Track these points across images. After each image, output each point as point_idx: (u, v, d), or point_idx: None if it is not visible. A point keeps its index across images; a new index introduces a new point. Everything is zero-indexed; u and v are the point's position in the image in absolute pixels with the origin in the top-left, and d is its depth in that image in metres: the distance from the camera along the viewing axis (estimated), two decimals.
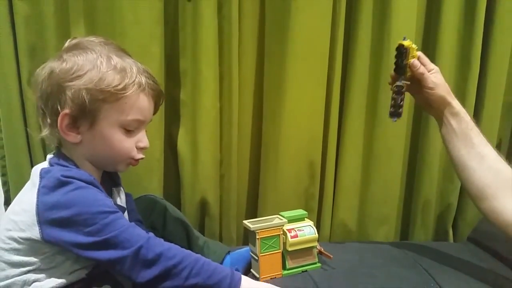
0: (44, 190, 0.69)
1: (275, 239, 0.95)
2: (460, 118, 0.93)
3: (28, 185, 0.74)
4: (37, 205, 0.68)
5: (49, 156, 0.76)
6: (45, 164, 0.75)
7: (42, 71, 0.73)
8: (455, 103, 0.93)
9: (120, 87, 0.71)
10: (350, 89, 1.23)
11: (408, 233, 1.36)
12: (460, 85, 1.26)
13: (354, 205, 1.30)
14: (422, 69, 0.93)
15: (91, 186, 0.70)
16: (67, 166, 0.73)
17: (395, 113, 0.96)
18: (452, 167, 0.95)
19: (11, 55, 1.05)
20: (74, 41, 0.76)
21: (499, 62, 1.26)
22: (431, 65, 0.95)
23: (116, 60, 0.72)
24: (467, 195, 0.98)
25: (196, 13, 1.10)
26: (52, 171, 0.71)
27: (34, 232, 0.68)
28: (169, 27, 1.15)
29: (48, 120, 0.72)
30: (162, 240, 0.70)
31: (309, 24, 1.14)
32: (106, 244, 0.66)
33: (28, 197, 0.70)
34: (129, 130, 0.74)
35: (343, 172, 1.27)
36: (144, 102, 0.74)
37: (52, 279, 0.70)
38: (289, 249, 0.96)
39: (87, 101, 0.69)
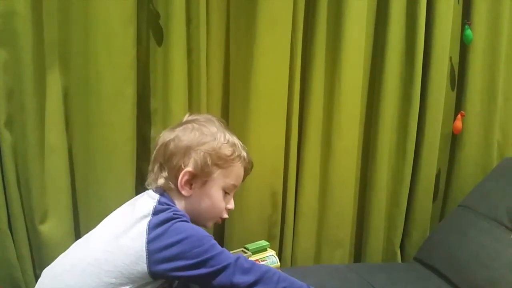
0: (156, 222, 0.79)
1: None
2: None
3: (130, 213, 0.83)
4: (148, 234, 0.78)
5: (154, 195, 0.86)
6: (149, 198, 0.86)
7: (169, 134, 0.89)
8: None
9: (232, 157, 0.89)
10: (306, 126, 1.35)
11: (361, 255, 1.49)
12: (403, 120, 1.42)
13: (313, 231, 1.41)
14: None
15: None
16: (177, 208, 0.85)
17: None
18: None
19: None
20: (195, 116, 0.94)
21: (436, 100, 1.43)
22: None
23: (228, 136, 0.90)
24: None
25: (167, 58, 1.18)
26: (166, 210, 0.82)
27: (140, 258, 0.76)
28: (141, 70, 1.21)
29: (165, 174, 0.87)
30: None
31: (270, 67, 1.25)
32: (212, 261, 0.79)
33: (136, 226, 0.79)
34: (226, 193, 0.91)
35: (302, 201, 1.38)
36: (241, 171, 0.92)
37: None
38: None
39: (209, 163, 0.86)
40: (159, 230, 0.78)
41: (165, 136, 0.89)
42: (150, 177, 0.90)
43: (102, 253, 0.78)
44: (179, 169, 0.85)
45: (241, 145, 0.92)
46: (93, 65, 1.13)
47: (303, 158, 1.37)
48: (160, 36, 1.19)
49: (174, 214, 0.81)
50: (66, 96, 1.16)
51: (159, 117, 1.23)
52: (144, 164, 1.25)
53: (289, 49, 1.28)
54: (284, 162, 1.34)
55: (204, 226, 0.92)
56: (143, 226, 0.79)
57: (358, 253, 1.50)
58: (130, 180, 1.21)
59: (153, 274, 0.77)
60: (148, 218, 0.80)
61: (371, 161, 1.43)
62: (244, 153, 0.92)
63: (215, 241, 0.81)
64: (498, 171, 1.42)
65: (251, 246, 1.08)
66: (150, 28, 1.20)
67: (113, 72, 1.14)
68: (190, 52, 1.21)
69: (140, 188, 1.25)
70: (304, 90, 1.34)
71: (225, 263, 0.79)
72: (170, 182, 0.86)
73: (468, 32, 1.41)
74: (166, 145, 0.87)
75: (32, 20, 1.08)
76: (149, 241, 0.77)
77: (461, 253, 1.27)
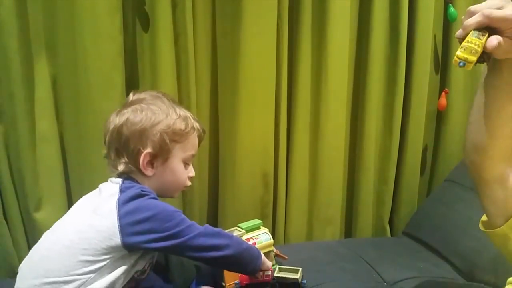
0: (124, 198, 0.82)
1: None
2: None
3: (98, 196, 0.86)
4: (118, 210, 0.80)
5: (118, 180, 0.87)
6: (112, 183, 0.87)
7: (117, 118, 0.87)
8: None
9: (187, 130, 0.89)
10: (295, 108, 1.37)
11: (351, 231, 1.53)
12: (389, 99, 1.45)
13: (304, 209, 1.44)
14: (495, 41, 0.63)
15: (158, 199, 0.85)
16: (143, 186, 0.87)
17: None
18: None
19: None
20: (141, 95, 0.91)
21: (421, 78, 1.46)
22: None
23: (178, 110, 0.90)
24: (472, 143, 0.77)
25: (154, 44, 1.18)
26: (133, 187, 0.84)
27: (113, 234, 0.79)
28: (128, 57, 1.21)
29: (125, 159, 0.86)
30: None
31: (258, 51, 1.26)
32: (182, 233, 0.82)
33: (105, 205, 0.81)
34: (186, 164, 0.92)
35: (293, 180, 1.40)
36: (196, 141, 0.93)
37: (105, 284, 0.80)
38: None
39: (167, 141, 0.86)
40: (130, 206, 0.80)
41: (115, 120, 0.87)
42: (110, 164, 0.89)
43: (75, 233, 0.80)
44: (138, 152, 0.85)
45: (191, 116, 0.93)
46: (80, 53, 1.13)
47: (293, 139, 1.39)
48: (146, 23, 1.20)
49: (142, 190, 0.83)
50: (55, 84, 1.16)
51: None
52: None
53: (276, 33, 1.28)
54: (274, 144, 1.36)
55: (171, 197, 0.95)
56: (113, 203, 0.81)
57: (349, 229, 1.53)
58: None
59: (127, 247, 0.80)
60: (116, 196, 0.82)
61: (359, 140, 1.46)
62: (196, 124, 0.93)
63: (184, 216, 0.84)
64: None
65: (244, 225, 1.11)
66: (136, 14, 1.20)
67: (101, 59, 1.14)
68: (177, 37, 1.21)
69: None
70: (291, 73, 1.36)
71: (196, 232, 0.83)
72: (131, 166, 0.87)
73: (452, 10, 1.43)
74: (118, 130, 0.86)
75: (16, 9, 1.08)
76: (121, 217, 0.79)
77: (448, 225, 1.31)
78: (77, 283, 0.78)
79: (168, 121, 0.87)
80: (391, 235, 1.54)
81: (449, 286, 1.12)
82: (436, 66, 1.54)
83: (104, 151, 0.90)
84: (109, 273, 0.80)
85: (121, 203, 0.81)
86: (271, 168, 1.37)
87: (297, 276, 1.01)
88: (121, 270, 0.81)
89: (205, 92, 1.30)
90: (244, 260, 0.90)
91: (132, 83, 1.24)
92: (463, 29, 0.67)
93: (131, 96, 0.92)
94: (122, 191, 0.83)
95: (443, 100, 1.50)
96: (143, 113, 0.86)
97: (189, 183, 0.94)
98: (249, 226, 1.10)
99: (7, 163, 1.13)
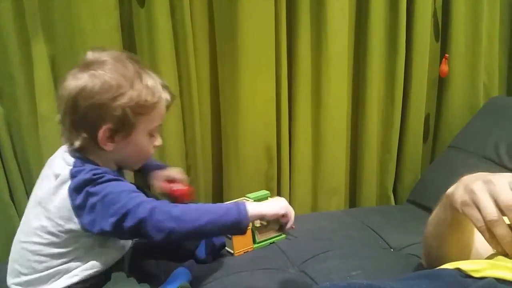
0: (75, 187, 0.75)
1: None
2: None
3: (49, 184, 0.79)
4: (71, 201, 0.75)
5: (70, 160, 0.79)
6: (64, 163, 0.79)
7: (73, 83, 0.76)
8: None
9: (153, 101, 0.79)
10: (296, 79, 1.36)
11: (355, 201, 1.53)
12: (390, 68, 1.44)
13: (308, 182, 1.44)
14: None
15: (116, 177, 0.79)
16: (94, 166, 0.79)
17: None
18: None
19: None
20: (102, 56, 0.78)
21: (421, 46, 1.44)
22: None
23: (145, 77, 0.79)
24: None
25: (150, 18, 1.17)
26: (83, 171, 0.76)
27: (73, 224, 0.76)
28: (126, 32, 1.21)
29: (84, 134, 0.77)
30: None
31: (255, 24, 1.25)
32: (127, 216, 0.73)
33: (58, 195, 0.77)
34: (152, 134, 0.84)
35: (296, 153, 1.41)
36: (163, 110, 0.84)
37: (88, 266, 0.80)
38: (257, 225, 1.08)
39: (130, 117, 0.77)
40: (80, 196, 0.75)
41: (71, 85, 0.76)
42: (64, 134, 0.80)
43: (40, 229, 0.78)
44: (97, 127, 0.76)
45: (160, 83, 0.82)
46: (77, 31, 1.13)
47: (295, 111, 1.38)
48: None
49: (93, 174, 0.76)
50: (53, 64, 1.15)
51: None
52: None
53: (274, 3, 1.26)
54: (276, 117, 1.36)
55: (131, 170, 0.90)
56: (65, 193, 0.76)
57: (353, 200, 1.54)
58: None
59: (91, 231, 0.76)
60: (68, 184, 0.76)
61: (361, 110, 1.45)
62: (164, 94, 0.82)
63: (136, 195, 0.76)
64: (485, 110, 1.45)
65: (252, 195, 1.11)
66: None
67: (98, 36, 1.13)
68: (173, 10, 1.20)
69: None
70: (291, 44, 1.34)
71: (142, 215, 0.73)
72: (89, 140, 0.78)
73: None
74: (73, 100, 0.75)
75: None
76: (75, 208, 0.75)
77: None
78: (60, 273, 0.78)
79: (132, 93, 0.76)
80: (396, 204, 1.54)
81: None
82: (436, 32, 1.52)
83: (59, 116, 0.80)
84: (91, 256, 0.80)
85: (72, 192, 0.75)
86: (274, 141, 1.37)
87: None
88: (99, 248, 0.80)
89: (204, 66, 1.29)
90: (212, 231, 0.79)
91: None
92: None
93: (90, 55, 0.79)
94: (73, 176, 0.76)
95: (444, 67, 1.49)
96: (102, 82, 0.75)
97: (152, 152, 0.86)
98: (257, 196, 1.11)
99: (11, 145, 1.13)
